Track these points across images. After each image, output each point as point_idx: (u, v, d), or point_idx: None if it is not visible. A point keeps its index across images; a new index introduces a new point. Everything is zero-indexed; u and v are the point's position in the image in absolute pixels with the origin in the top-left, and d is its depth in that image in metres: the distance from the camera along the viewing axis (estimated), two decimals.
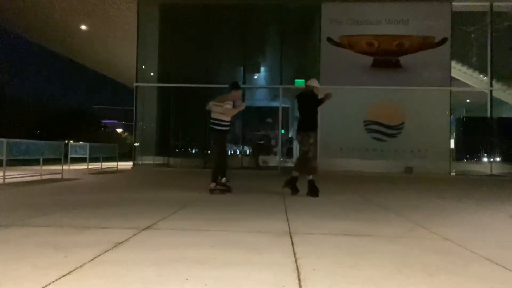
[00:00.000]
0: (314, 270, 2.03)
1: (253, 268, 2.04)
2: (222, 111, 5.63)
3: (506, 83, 13.47)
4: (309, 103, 5.65)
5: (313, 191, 5.49)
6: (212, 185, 5.64)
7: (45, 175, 8.16)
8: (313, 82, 5.80)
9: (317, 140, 5.80)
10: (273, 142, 17.23)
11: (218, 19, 13.37)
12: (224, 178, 5.78)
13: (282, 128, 13.49)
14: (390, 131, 12.07)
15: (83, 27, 15.02)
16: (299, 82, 12.75)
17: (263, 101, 20.15)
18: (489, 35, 12.47)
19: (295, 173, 5.70)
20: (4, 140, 6.35)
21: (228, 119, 5.76)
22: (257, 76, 15.30)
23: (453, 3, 12.13)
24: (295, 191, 5.69)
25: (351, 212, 4.14)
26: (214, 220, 3.52)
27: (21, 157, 7.00)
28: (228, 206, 4.49)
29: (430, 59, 12.15)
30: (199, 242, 2.65)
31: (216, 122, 5.72)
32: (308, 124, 5.61)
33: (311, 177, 5.53)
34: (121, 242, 2.55)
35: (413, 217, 3.86)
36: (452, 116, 12.93)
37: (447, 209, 4.53)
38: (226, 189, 5.72)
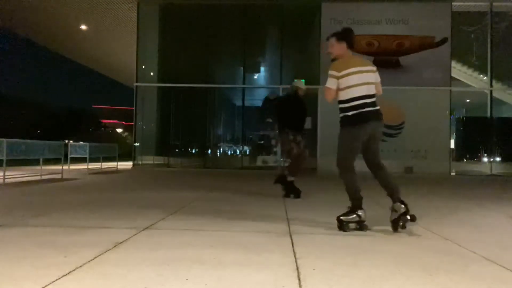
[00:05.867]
0: (314, 270, 2.03)
1: (253, 268, 2.04)
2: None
3: (506, 83, 13.48)
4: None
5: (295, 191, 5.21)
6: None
7: (45, 175, 8.15)
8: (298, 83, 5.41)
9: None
10: (273, 142, 17.24)
11: (218, 19, 13.37)
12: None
13: None
14: (390, 131, 12.06)
15: (83, 27, 15.03)
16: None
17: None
18: (489, 35, 12.47)
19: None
20: (4, 140, 6.34)
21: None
22: (257, 76, 15.29)
23: (453, 3, 12.12)
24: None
25: None
26: (214, 220, 3.52)
27: (21, 157, 6.99)
28: (228, 206, 4.49)
29: (430, 59, 12.14)
30: (199, 242, 2.65)
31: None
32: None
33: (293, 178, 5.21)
34: (121, 242, 2.55)
35: None
36: (452, 116, 12.94)
37: (447, 209, 4.52)
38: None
